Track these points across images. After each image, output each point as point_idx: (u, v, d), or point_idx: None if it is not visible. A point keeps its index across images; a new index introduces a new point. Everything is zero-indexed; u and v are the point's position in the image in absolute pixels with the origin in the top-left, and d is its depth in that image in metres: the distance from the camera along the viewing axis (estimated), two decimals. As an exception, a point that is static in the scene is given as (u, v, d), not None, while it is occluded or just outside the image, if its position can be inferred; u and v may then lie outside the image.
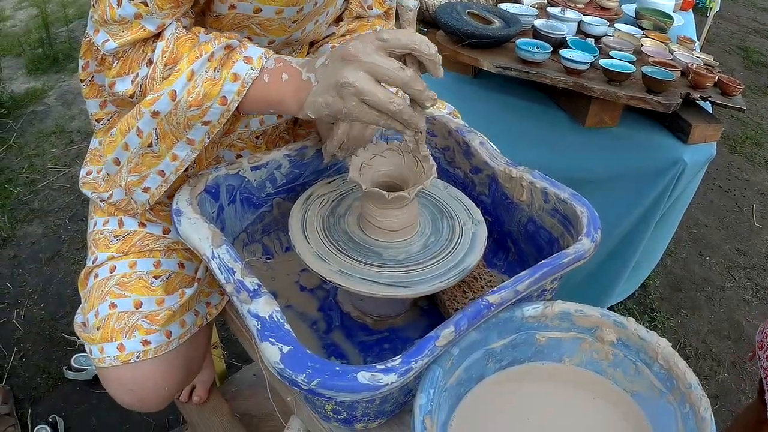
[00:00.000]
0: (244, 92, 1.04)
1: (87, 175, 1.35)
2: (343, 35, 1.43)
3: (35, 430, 2.12)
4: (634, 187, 2.25)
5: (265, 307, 0.91)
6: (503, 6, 2.39)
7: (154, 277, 1.26)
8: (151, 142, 1.11)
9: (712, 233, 3.40)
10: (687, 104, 2.22)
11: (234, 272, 0.97)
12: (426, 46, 0.94)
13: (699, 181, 2.50)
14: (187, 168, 1.17)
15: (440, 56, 0.97)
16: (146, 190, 1.18)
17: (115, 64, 1.10)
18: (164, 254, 1.28)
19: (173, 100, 1.04)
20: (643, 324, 2.47)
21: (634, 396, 1.06)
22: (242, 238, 1.30)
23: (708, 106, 2.35)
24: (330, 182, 1.26)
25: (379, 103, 0.94)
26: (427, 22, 2.45)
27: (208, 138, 1.09)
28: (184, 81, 1.03)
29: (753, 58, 5.69)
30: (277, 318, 0.90)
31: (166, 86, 1.04)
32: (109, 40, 1.06)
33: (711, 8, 4.39)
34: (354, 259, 1.09)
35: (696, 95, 2.17)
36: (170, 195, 1.19)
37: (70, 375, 2.31)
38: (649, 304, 2.86)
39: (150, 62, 1.06)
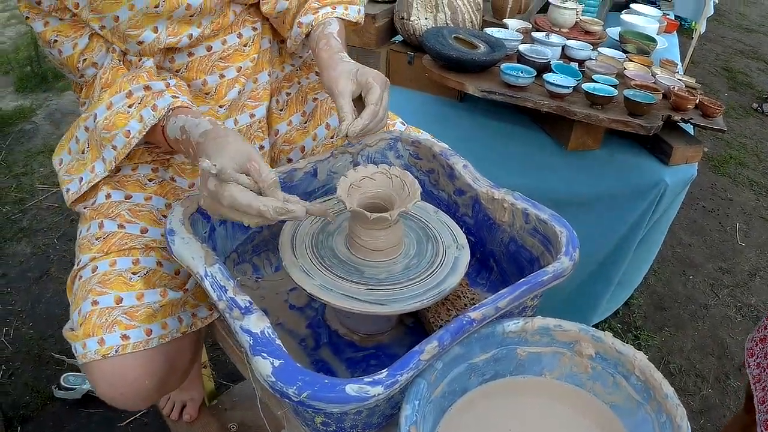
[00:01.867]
0: (144, 132, 1.23)
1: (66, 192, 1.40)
2: (302, 5, 1.47)
3: (25, 448, 2.13)
4: (616, 208, 2.28)
5: (257, 323, 0.95)
6: (489, 30, 2.43)
7: (132, 273, 1.28)
8: (84, 149, 1.35)
9: (696, 252, 3.43)
10: (669, 126, 2.26)
11: (226, 290, 1.01)
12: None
13: (681, 202, 2.53)
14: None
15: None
16: (68, 191, 1.37)
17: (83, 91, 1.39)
18: (142, 252, 1.31)
19: (95, 121, 1.26)
20: (627, 342, 2.51)
21: (612, 407, 1.09)
22: (233, 257, 1.33)
23: (690, 128, 2.39)
24: (324, 201, 1.29)
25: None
26: (414, 46, 2.48)
27: (116, 161, 1.27)
28: (104, 109, 1.25)
29: (737, 78, 5.76)
30: (268, 333, 0.93)
31: (94, 109, 1.27)
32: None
33: (696, 30, 4.44)
34: (336, 275, 1.13)
35: (677, 117, 2.21)
36: (147, 197, 1.38)
37: (59, 394, 2.29)
38: (633, 323, 2.89)
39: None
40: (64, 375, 2.33)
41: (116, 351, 1.21)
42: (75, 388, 2.29)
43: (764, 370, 1.66)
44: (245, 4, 1.45)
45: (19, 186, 3.48)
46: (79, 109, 1.44)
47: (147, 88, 1.25)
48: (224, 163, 1.01)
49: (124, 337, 1.22)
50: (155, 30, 1.29)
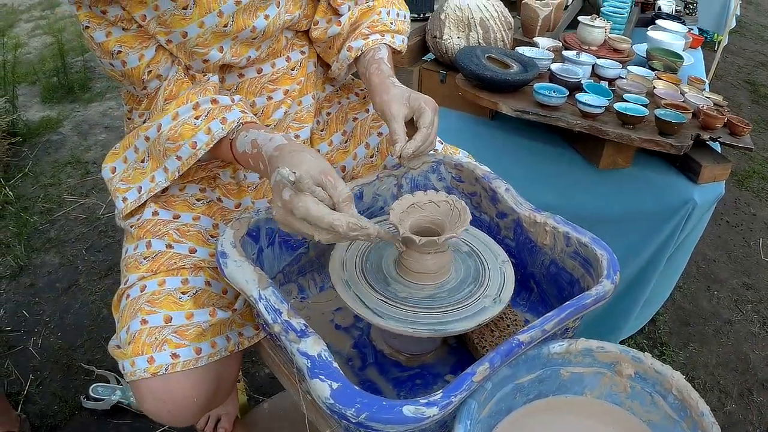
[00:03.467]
0: (212, 144, 1.23)
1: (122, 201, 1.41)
2: (352, 31, 1.51)
3: (53, 458, 2.14)
4: (646, 226, 2.28)
5: (313, 346, 0.97)
6: (520, 49, 2.44)
7: (182, 293, 1.30)
8: (144, 159, 1.35)
9: (720, 268, 3.43)
10: (697, 144, 2.26)
11: (281, 313, 1.03)
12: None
13: (708, 219, 2.53)
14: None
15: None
16: (125, 200, 1.37)
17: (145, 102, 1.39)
18: (191, 272, 1.33)
19: (158, 131, 1.27)
20: (653, 359, 2.51)
21: (650, 425, 1.11)
22: (278, 278, 1.35)
23: (717, 145, 2.39)
24: (381, 221, 1.33)
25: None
26: (446, 64, 2.49)
27: (179, 172, 1.28)
28: (169, 120, 1.26)
29: (760, 91, 5.73)
30: (325, 357, 0.96)
31: (157, 119, 1.28)
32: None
33: (719, 42, 4.44)
34: (365, 278, 1.18)
35: (706, 136, 2.21)
36: (195, 216, 1.39)
37: (88, 404, 2.29)
38: (659, 339, 2.89)
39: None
40: (93, 385, 2.34)
41: (166, 369, 1.23)
42: (104, 399, 2.29)
43: None
44: (296, 31, 1.48)
45: (46, 196, 3.52)
46: (128, 120, 1.47)
47: (214, 101, 1.26)
48: (301, 174, 1.01)
49: (174, 355, 1.24)
50: (221, 50, 1.32)
